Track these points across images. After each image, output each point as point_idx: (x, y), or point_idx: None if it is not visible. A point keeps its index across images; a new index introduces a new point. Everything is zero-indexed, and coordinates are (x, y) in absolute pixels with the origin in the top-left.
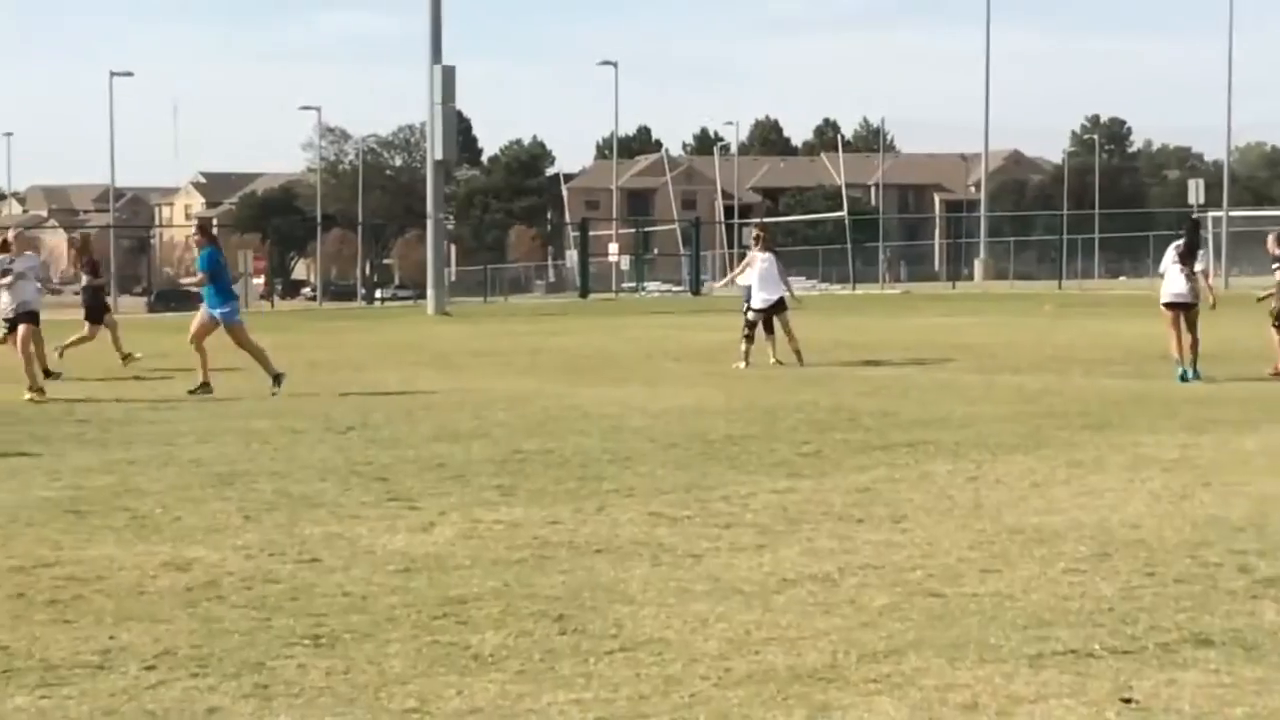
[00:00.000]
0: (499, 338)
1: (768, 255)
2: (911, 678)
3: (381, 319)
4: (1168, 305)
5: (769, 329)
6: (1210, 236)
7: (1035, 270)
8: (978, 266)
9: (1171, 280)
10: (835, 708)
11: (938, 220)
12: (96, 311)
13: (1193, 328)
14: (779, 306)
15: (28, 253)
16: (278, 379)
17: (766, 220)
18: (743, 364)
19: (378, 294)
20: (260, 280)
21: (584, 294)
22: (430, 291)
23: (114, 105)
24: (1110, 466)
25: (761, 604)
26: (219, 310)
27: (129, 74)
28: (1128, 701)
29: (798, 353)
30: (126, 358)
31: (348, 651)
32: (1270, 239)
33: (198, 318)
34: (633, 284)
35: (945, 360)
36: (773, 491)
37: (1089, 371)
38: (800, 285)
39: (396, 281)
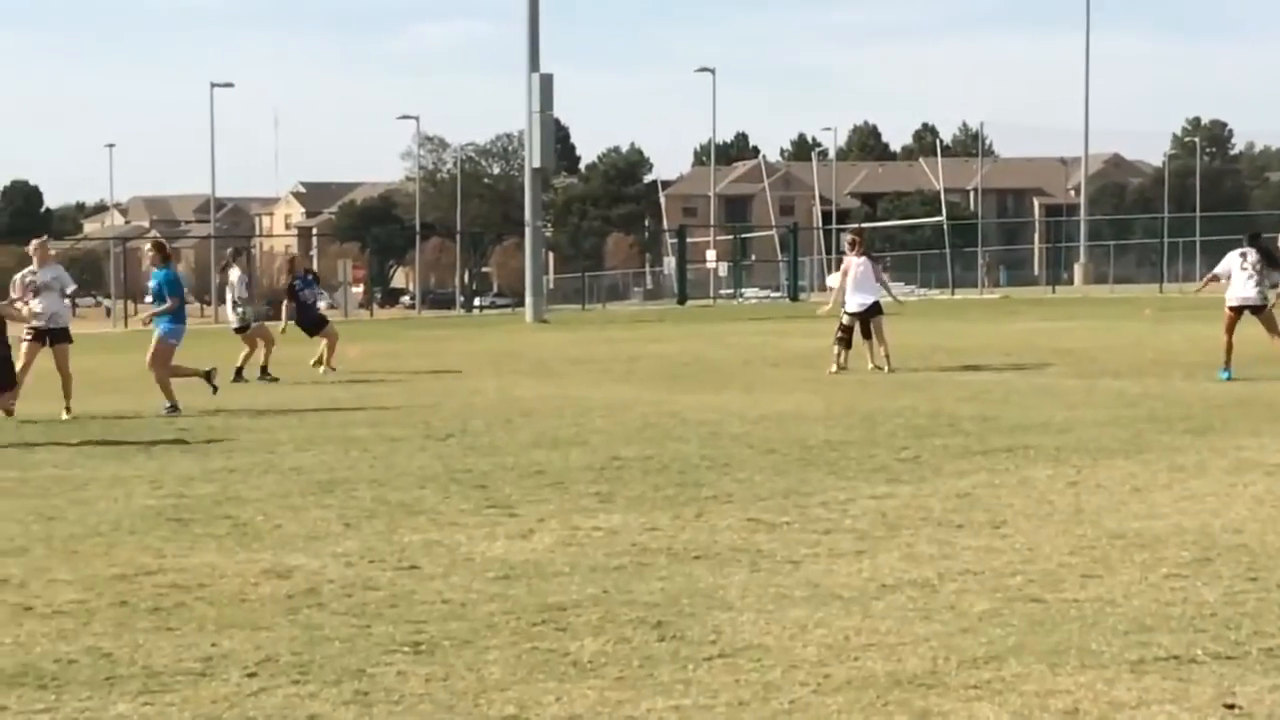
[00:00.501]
0: (597, 345)
1: (863, 259)
2: (1012, 684)
3: (480, 327)
4: (1235, 308)
5: (866, 334)
6: None
7: (1135, 274)
8: (1077, 270)
9: (1239, 284)
10: (935, 714)
11: (1037, 224)
12: (314, 324)
13: (1273, 328)
14: (874, 310)
15: (52, 264)
16: (174, 407)
17: (864, 225)
18: (834, 368)
19: (476, 302)
20: (359, 289)
21: (682, 301)
22: (528, 299)
23: (214, 116)
24: (1212, 471)
25: (861, 610)
26: (165, 326)
27: (229, 85)
28: (1231, 708)
29: (886, 358)
30: (319, 363)
31: (447, 658)
32: None
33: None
34: (730, 290)
35: (1045, 365)
36: (871, 497)
37: (1190, 375)
38: (899, 290)
39: (495, 289)
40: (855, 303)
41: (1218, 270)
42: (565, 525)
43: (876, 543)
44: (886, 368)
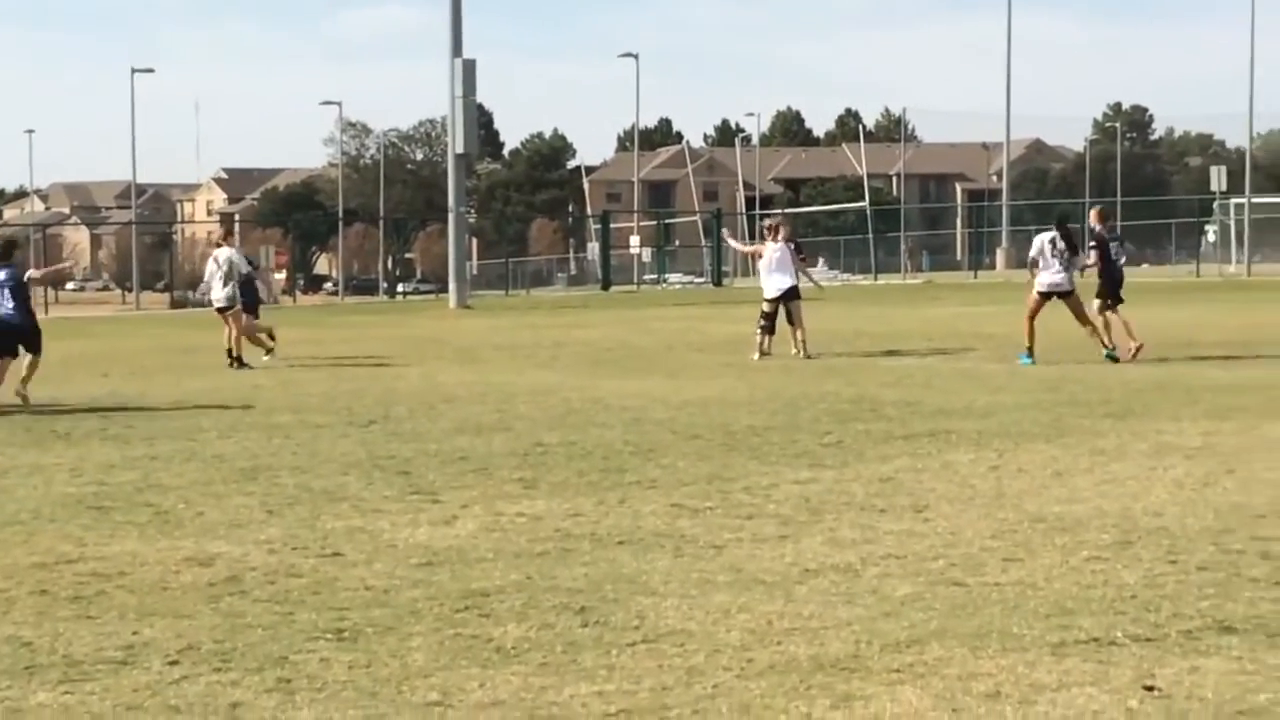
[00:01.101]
0: (521, 331)
1: (779, 245)
2: (934, 667)
3: (403, 313)
4: (1043, 294)
5: (790, 319)
6: (1233, 223)
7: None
8: (1000, 255)
9: (1049, 269)
10: (858, 697)
11: (959, 209)
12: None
13: (1081, 314)
14: (792, 294)
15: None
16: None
17: (788, 210)
18: (756, 355)
19: (399, 288)
20: (282, 275)
21: (605, 286)
22: (452, 285)
23: (135, 101)
24: (1132, 454)
25: (784, 594)
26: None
27: (150, 70)
28: (1150, 689)
29: (803, 343)
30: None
31: (370, 645)
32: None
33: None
34: (654, 276)
35: (967, 349)
36: (795, 482)
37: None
38: (822, 274)
39: (418, 275)
40: (773, 287)
41: (1032, 254)
42: (488, 511)
43: (799, 528)
44: (802, 353)
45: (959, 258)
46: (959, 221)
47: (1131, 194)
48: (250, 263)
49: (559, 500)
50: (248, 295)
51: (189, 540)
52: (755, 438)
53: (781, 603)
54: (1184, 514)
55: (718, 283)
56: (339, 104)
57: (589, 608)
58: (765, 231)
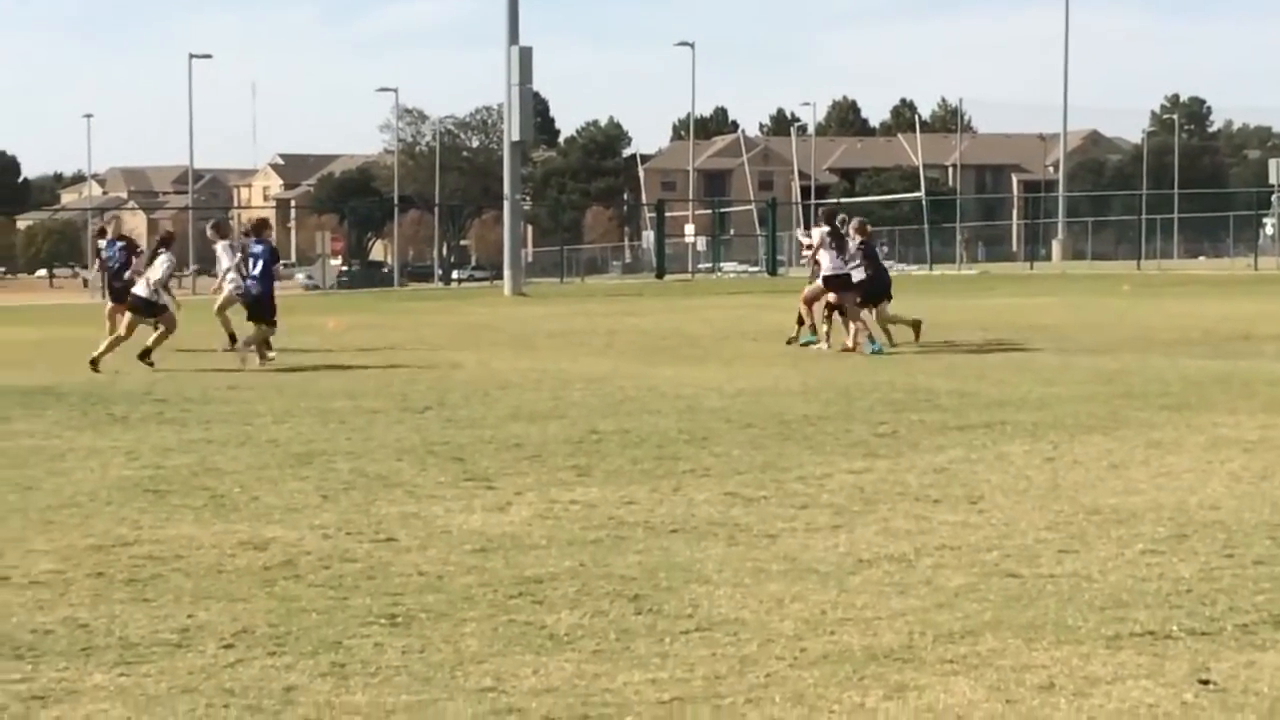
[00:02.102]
0: (575, 318)
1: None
2: (988, 658)
3: (458, 300)
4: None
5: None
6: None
7: (1113, 251)
8: (1055, 247)
9: (829, 260)
10: (911, 688)
11: (1015, 201)
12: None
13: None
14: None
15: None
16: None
17: (842, 200)
18: (825, 345)
19: (454, 275)
20: (337, 261)
21: (660, 275)
22: (507, 272)
23: (193, 87)
24: (1189, 447)
25: (837, 584)
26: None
27: (208, 56)
28: (1206, 683)
29: (827, 335)
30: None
31: (424, 631)
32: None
33: None
34: (709, 265)
35: (1023, 341)
36: (849, 472)
37: (1168, 352)
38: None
39: (473, 262)
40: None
41: (814, 240)
42: (543, 498)
43: (853, 517)
44: (826, 345)
45: (1014, 249)
46: (1014, 213)
47: (1189, 186)
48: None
49: (613, 488)
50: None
51: (244, 524)
52: (809, 427)
53: (835, 592)
54: (1240, 508)
55: (773, 271)
56: (395, 91)
57: (642, 595)
58: (817, 220)
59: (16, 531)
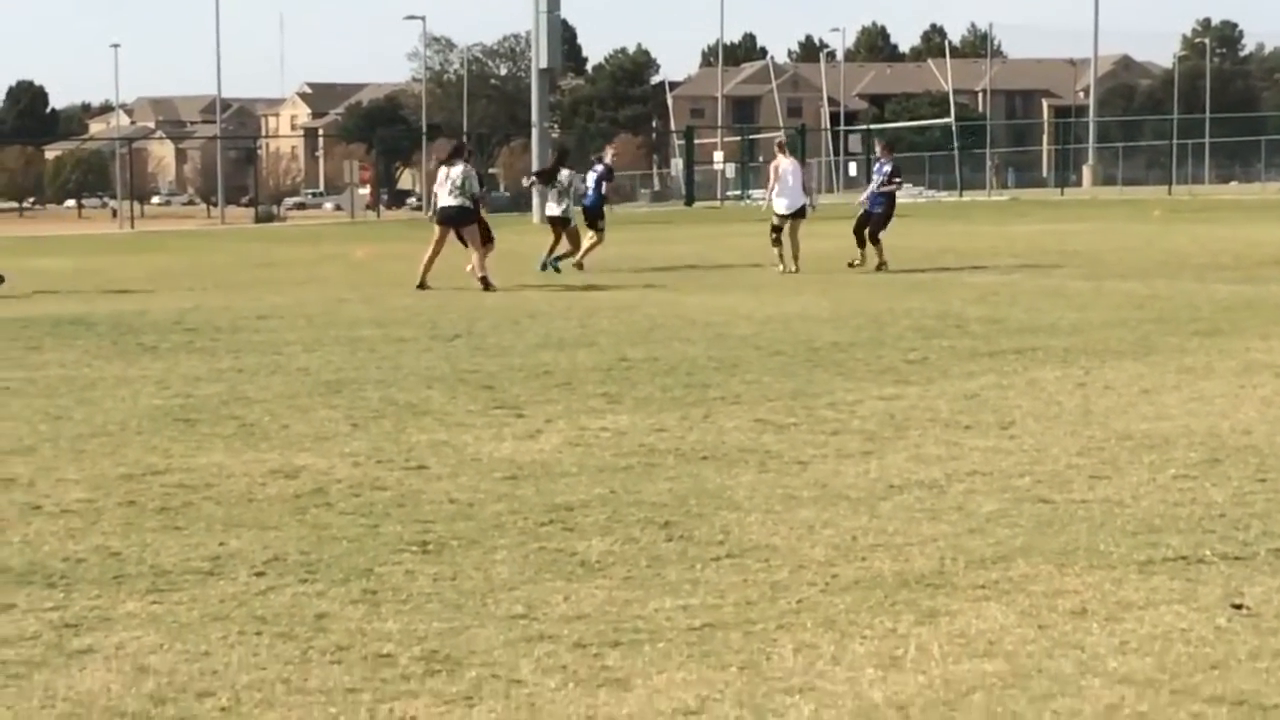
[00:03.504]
0: (604, 245)
1: (792, 161)
2: (1020, 583)
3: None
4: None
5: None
6: None
7: (1144, 176)
8: (1086, 172)
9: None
10: (943, 613)
11: (1046, 126)
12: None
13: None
14: (799, 214)
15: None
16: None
17: (872, 126)
18: (781, 268)
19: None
20: (366, 190)
21: (689, 202)
22: (535, 199)
23: (220, 16)
24: (1221, 372)
25: (868, 510)
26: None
27: None
28: (1239, 608)
29: (795, 259)
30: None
31: (455, 558)
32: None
33: None
34: (738, 192)
35: (1053, 266)
36: (879, 398)
37: (1199, 277)
38: (907, 192)
39: (502, 189)
40: (783, 205)
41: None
42: (573, 426)
43: (884, 444)
44: (795, 268)
45: (1045, 175)
46: (1045, 138)
47: (1220, 111)
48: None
49: (643, 415)
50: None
51: (275, 453)
52: (839, 353)
53: (866, 518)
54: (1273, 432)
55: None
56: (423, 19)
57: (673, 522)
58: (776, 149)
59: (48, 460)
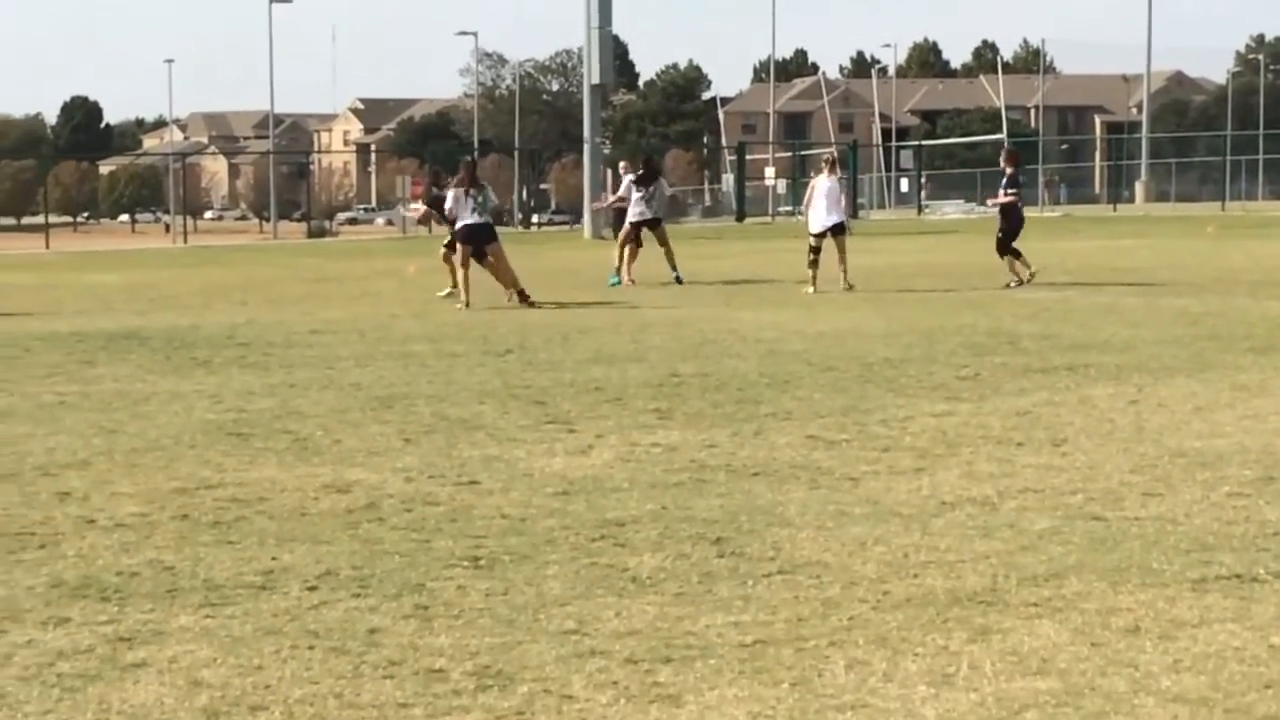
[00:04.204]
0: (655, 262)
1: (831, 180)
2: (1073, 601)
3: (538, 243)
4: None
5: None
6: None
7: (1197, 192)
8: (1139, 188)
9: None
10: (995, 631)
11: (1098, 142)
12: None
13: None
14: (839, 230)
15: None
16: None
17: (924, 143)
18: (811, 289)
19: (534, 218)
20: (418, 204)
21: (740, 217)
22: (586, 216)
23: (273, 32)
24: (1275, 390)
25: (920, 527)
26: None
27: (288, 0)
28: None
29: (844, 273)
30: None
31: (506, 573)
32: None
33: None
34: (789, 208)
35: (1106, 283)
36: (931, 415)
37: (1253, 293)
38: (956, 207)
39: (553, 206)
40: (818, 223)
41: (620, 192)
42: (624, 441)
43: (936, 460)
44: (845, 285)
45: (1097, 191)
46: (1097, 154)
47: (1274, 127)
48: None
49: (694, 431)
50: None
51: (327, 467)
52: (891, 370)
53: (918, 535)
54: None
55: (853, 214)
56: (475, 34)
57: (724, 538)
58: (824, 165)
59: (102, 474)
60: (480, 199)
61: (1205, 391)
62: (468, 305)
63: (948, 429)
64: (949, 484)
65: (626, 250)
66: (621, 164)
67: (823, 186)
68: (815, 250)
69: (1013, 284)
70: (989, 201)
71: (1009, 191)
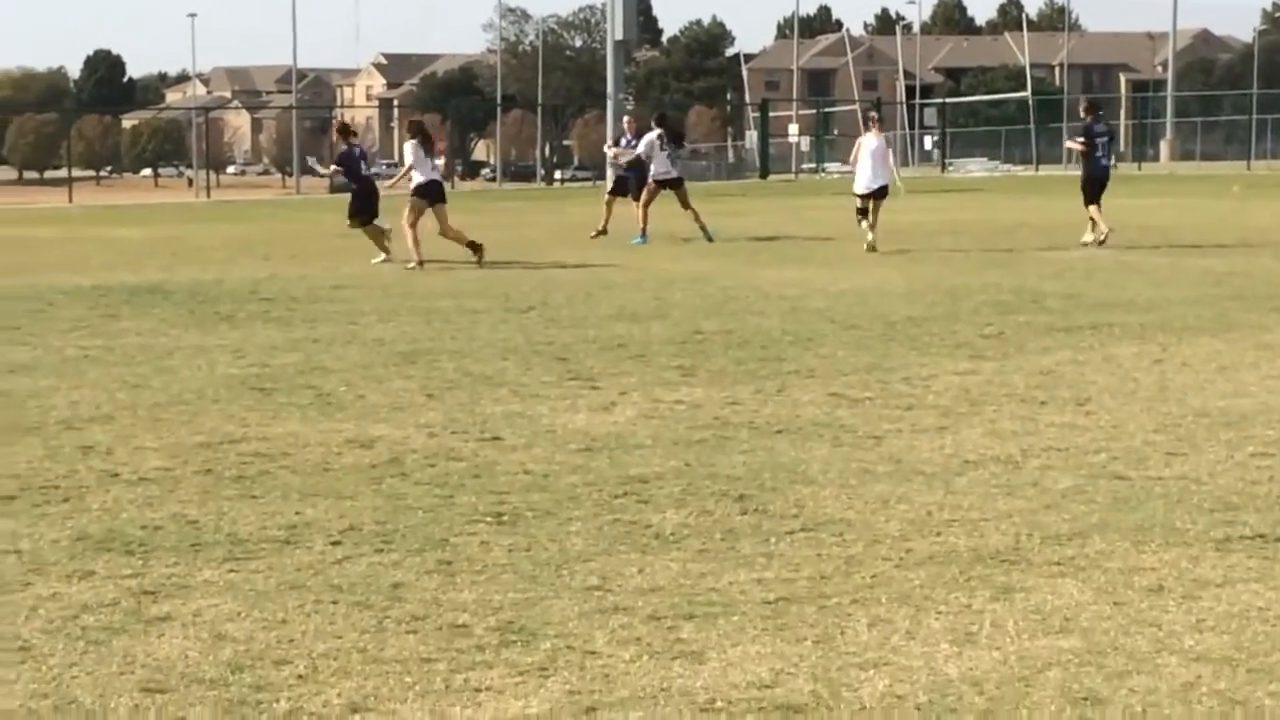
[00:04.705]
0: (677, 218)
1: (879, 138)
2: (1096, 560)
3: (561, 199)
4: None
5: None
6: None
7: (1223, 151)
8: (1164, 147)
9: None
10: (1018, 589)
11: (1123, 100)
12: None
13: (684, 202)
14: (881, 193)
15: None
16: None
17: (947, 100)
18: (869, 240)
19: (557, 175)
20: (441, 161)
21: (764, 175)
22: (609, 172)
23: None
24: None
25: (943, 485)
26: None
27: None
28: None
29: (872, 233)
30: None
31: (530, 529)
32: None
33: None
34: (812, 165)
35: (1131, 242)
36: (954, 373)
37: (1278, 254)
38: (981, 166)
39: (576, 162)
40: (858, 184)
41: (641, 150)
42: (647, 398)
43: (959, 419)
44: (868, 246)
45: (1122, 149)
46: (1122, 113)
47: None
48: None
49: (717, 388)
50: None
51: (350, 422)
52: (914, 328)
53: (941, 494)
54: None
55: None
56: None
57: (747, 495)
58: (868, 123)
59: (126, 428)
60: (437, 159)
61: (1230, 351)
62: (420, 265)
63: (971, 387)
64: (972, 442)
65: (642, 209)
66: (625, 119)
67: (869, 145)
68: (862, 211)
69: (1090, 241)
70: (1067, 143)
71: (1080, 140)
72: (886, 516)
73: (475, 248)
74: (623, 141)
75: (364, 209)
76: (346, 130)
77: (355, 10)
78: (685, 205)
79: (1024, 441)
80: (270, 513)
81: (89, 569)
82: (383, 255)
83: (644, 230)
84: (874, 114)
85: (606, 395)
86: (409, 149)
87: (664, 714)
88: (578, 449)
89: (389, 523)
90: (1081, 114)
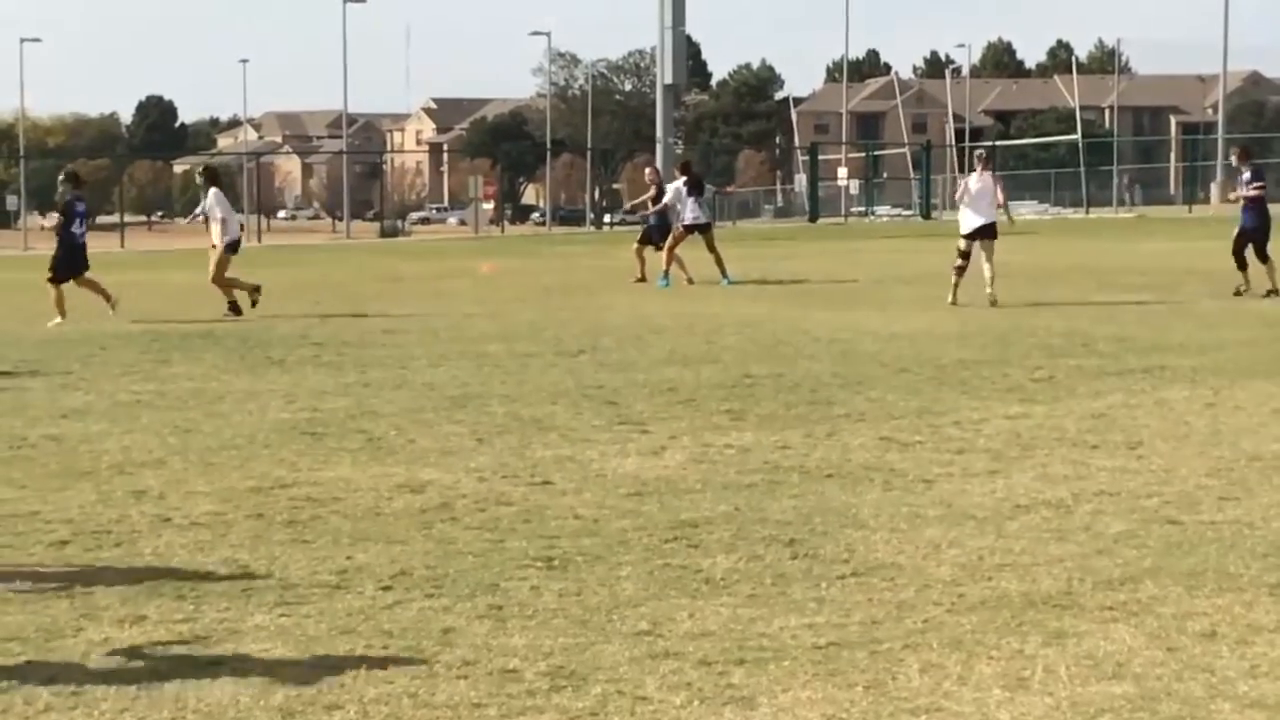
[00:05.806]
0: (728, 262)
1: (981, 177)
2: (1149, 605)
3: (610, 244)
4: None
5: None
6: None
7: (1274, 193)
8: (1214, 190)
9: (690, 208)
10: (1071, 635)
11: (1173, 143)
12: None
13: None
14: (989, 232)
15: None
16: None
17: (997, 143)
18: (951, 299)
19: (606, 218)
20: (490, 205)
21: (813, 218)
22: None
23: (347, 31)
24: None
25: (995, 530)
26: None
27: (362, 0)
28: None
29: (991, 282)
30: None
31: (580, 574)
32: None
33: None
34: (862, 208)
35: (1181, 285)
36: (1005, 417)
37: None
38: (1031, 209)
39: (625, 206)
40: (968, 224)
41: (668, 199)
42: (697, 442)
43: (1010, 463)
44: (990, 297)
45: (1172, 192)
46: (1173, 155)
47: None
48: None
49: (767, 432)
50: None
51: (401, 467)
52: (965, 371)
53: (992, 538)
54: None
55: (926, 215)
56: (548, 34)
57: (798, 540)
58: (976, 161)
59: (177, 473)
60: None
61: None
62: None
63: (1022, 431)
64: (1023, 486)
65: (667, 253)
66: (648, 171)
67: (975, 184)
68: (964, 255)
69: (1243, 288)
70: (1232, 195)
71: (1260, 185)
72: (938, 561)
73: (236, 306)
74: (671, 189)
75: (61, 267)
76: (75, 178)
77: (406, 55)
78: (710, 248)
79: (1075, 485)
80: (321, 557)
81: (141, 614)
82: (59, 318)
83: (666, 272)
84: (980, 153)
85: (656, 439)
86: (213, 197)
87: None
88: (628, 493)
89: (439, 567)
90: (1235, 160)
